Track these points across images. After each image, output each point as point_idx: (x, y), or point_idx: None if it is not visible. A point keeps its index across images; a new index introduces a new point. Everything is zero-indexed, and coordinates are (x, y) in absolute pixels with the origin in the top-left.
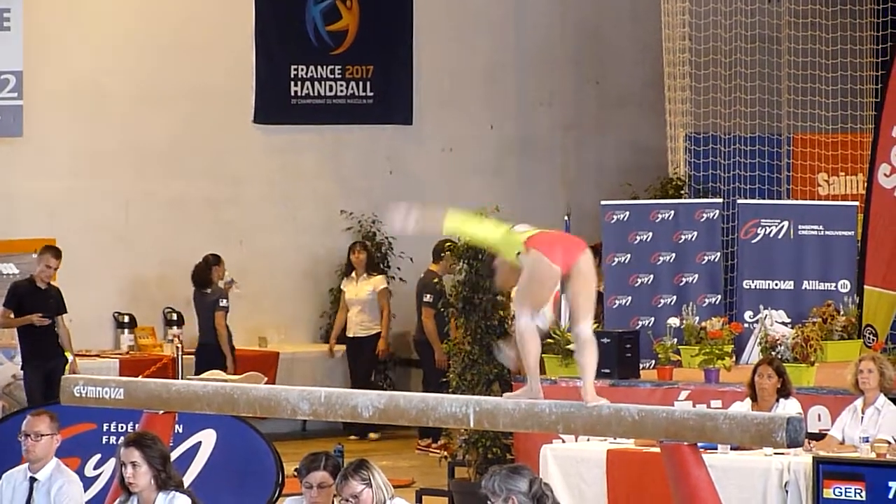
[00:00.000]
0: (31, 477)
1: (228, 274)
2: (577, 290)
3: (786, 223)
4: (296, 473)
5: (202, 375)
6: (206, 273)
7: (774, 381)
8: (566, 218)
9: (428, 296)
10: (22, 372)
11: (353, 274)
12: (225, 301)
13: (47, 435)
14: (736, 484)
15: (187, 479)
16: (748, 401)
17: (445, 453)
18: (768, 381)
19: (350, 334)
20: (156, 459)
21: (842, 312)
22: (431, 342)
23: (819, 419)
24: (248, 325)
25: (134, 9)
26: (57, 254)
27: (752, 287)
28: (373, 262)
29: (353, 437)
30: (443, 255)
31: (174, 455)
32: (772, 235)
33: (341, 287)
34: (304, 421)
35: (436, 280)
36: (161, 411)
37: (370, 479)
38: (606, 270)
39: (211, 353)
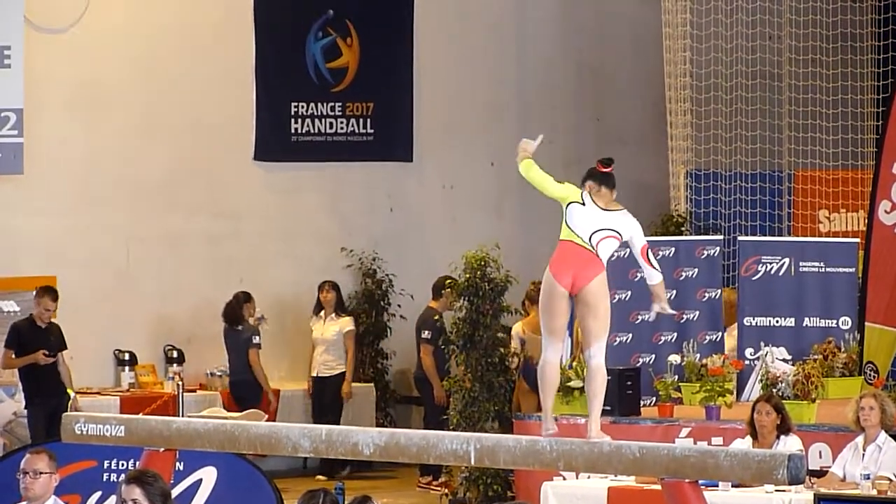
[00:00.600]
0: None
1: (259, 310)
2: (583, 313)
3: (787, 260)
4: None
5: (202, 413)
6: (237, 310)
7: (773, 418)
8: None
9: (426, 332)
10: (24, 410)
11: (322, 313)
12: (258, 338)
13: (46, 473)
14: None
15: None
16: (749, 438)
17: (446, 490)
18: (766, 417)
19: (314, 373)
20: (157, 497)
21: (843, 349)
22: (430, 379)
23: (820, 456)
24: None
25: (134, 46)
26: (54, 296)
27: (753, 324)
28: (341, 303)
29: (320, 476)
30: (443, 291)
31: (175, 492)
32: (772, 272)
33: (310, 325)
34: (305, 458)
35: (436, 317)
36: (162, 449)
37: None
38: None
39: (245, 389)
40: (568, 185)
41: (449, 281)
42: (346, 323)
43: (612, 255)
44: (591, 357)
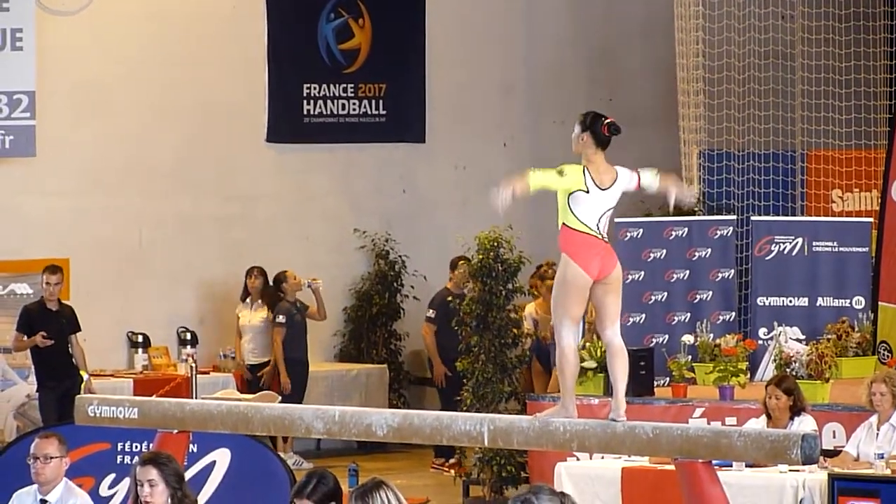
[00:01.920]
0: (41, 499)
1: (303, 279)
2: (607, 296)
3: (800, 240)
4: None
5: (215, 395)
6: (275, 294)
7: (784, 401)
8: None
9: (430, 311)
10: (36, 392)
11: (249, 300)
12: (282, 317)
13: (56, 457)
14: (751, 501)
15: (202, 499)
16: (763, 418)
17: (458, 472)
18: (777, 401)
19: (245, 362)
20: (172, 478)
21: (856, 329)
22: (431, 357)
23: (834, 436)
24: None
25: (145, 28)
26: (53, 270)
27: (767, 304)
28: (267, 291)
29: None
30: (458, 264)
31: (188, 474)
32: (786, 252)
33: (237, 312)
34: (318, 439)
35: (450, 298)
36: (175, 430)
37: None
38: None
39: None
40: (566, 169)
41: (462, 260)
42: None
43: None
44: (614, 336)
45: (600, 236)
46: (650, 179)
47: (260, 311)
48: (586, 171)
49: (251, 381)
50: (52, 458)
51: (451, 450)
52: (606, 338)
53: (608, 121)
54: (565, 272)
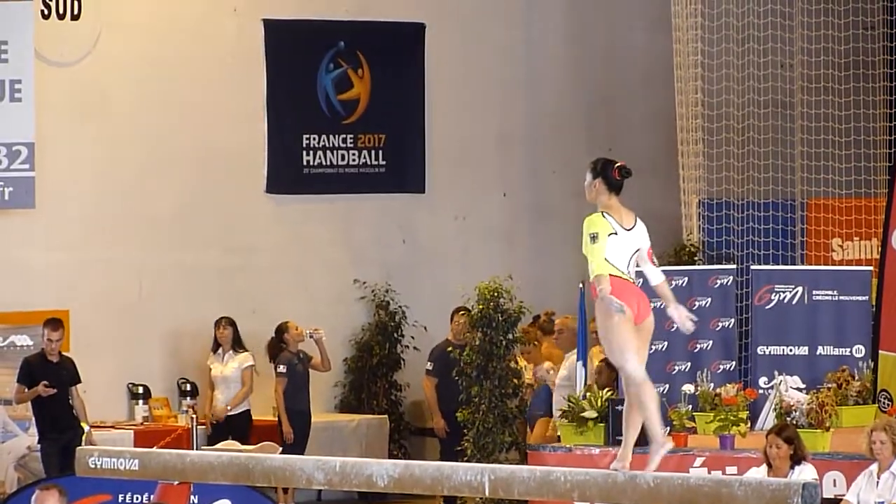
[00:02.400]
0: None
1: (305, 329)
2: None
3: (800, 288)
4: None
5: (216, 446)
6: (277, 346)
7: (785, 450)
8: (581, 286)
9: (429, 364)
10: (38, 444)
11: (220, 351)
12: (282, 367)
13: None
14: None
15: None
16: (764, 467)
17: None
18: (777, 450)
19: (212, 412)
20: None
21: (857, 377)
22: (431, 410)
23: (835, 484)
24: (262, 394)
25: (145, 79)
26: (55, 326)
27: (767, 353)
28: (238, 339)
29: None
30: (455, 316)
31: None
32: (786, 301)
33: (208, 363)
34: (319, 490)
35: (449, 349)
36: (176, 482)
37: None
38: None
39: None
40: (595, 228)
41: (460, 312)
42: (245, 358)
43: None
44: (644, 380)
45: (630, 279)
46: (655, 272)
47: (231, 362)
48: (607, 216)
49: (217, 432)
50: None
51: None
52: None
53: (619, 164)
54: (610, 308)
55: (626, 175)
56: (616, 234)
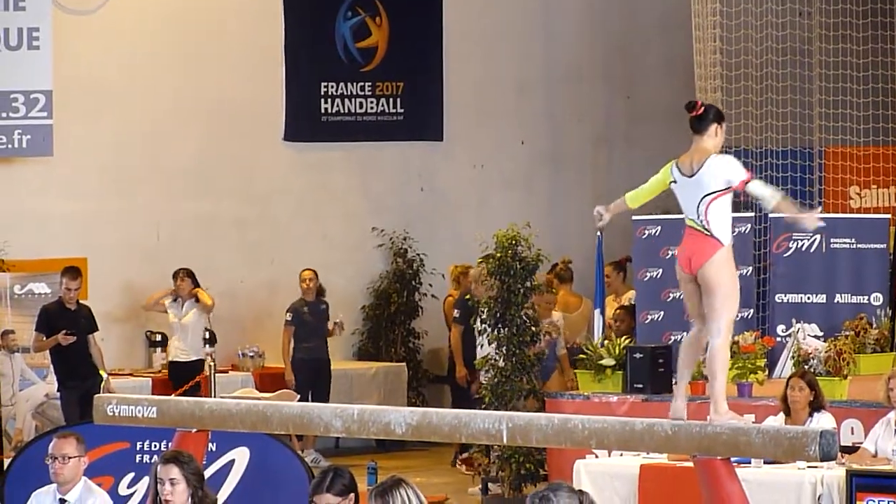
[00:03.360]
0: (60, 499)
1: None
2: (703, 293)
3: (818, 237)
4: None
5: (234, 394)
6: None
7: (806, 394)
8: (598, 234)
9: (457, 311)
10: (57, 392)
11: (178, 300)
12: (288, 315)
13: (74, 457)
14: (769, 498)
15: (221, 497)
16: (781, 415)
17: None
18: (800, 393)
19: (171, 358)
20: (193, 477)
21: (874, 325)
22: (455, 357)
23: (852, 432)
24: (280, 343)
25: (162, 27)
26: (73, 275)
27: (785, 301)
28: (197, 286)
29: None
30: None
31: (208, 473)
32: (804, 249)
33: (168, 310)
34: (337, 438)
35: (467, 297)
36: (194, 429)
37: None
38: (638, 286)
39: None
40: (663, 171)
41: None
42: (204, 303)
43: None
44: (711, 336)
45: (699, 227)
46: (764, 197)
47: (189, 313)
48: (674, 165)
49: (174, 377)
50: (70, 457)
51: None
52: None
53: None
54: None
55: (690, 107)
56: (675, 182)
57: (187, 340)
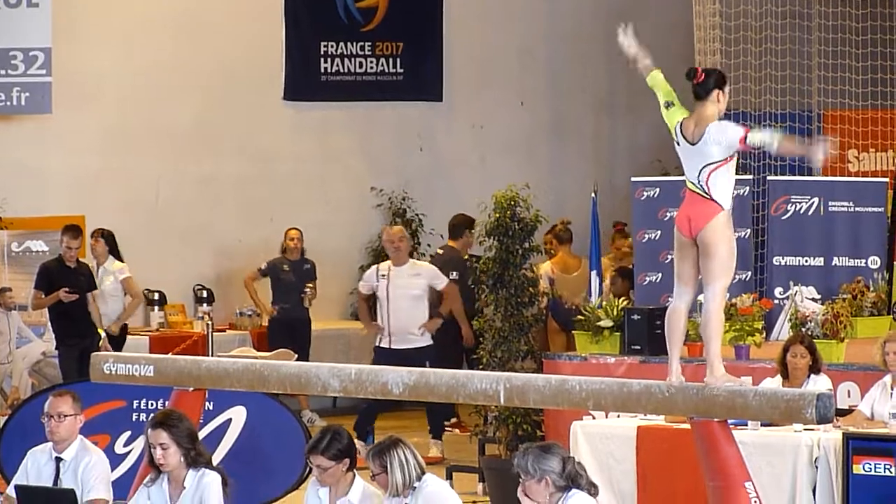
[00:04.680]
0: (56, 457)
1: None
2: (700, 256)
3: (816, 199)
4: None
5: (232, 353)
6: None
7: (807, 360)
8: (593, 195)
9: (454, 273)
10: (55, 350)
11: (95, 264)
12: (263, 265)
13: (70, 415)
14: (766, 460)
15: (217, 456)
16: (779, 377)
17: (458, 431)
18: (801, 360)
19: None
20: (184, 439)
21: (872, 288)
22: (458, 320)
23: (849, 395)
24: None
25: None
26: (75, 234)
27: (783, 263)
28: (115, 251)
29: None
30: (467, 231)
31: (204, 432)
32: (802, 212)
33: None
34: (334, 398)
35: (466, 257)
36: (191, 388)
37: (387, 466)
38: (637, 247)
39: None
40: (675, 104)
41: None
42: (119, 269)
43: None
44: (706, 299)
45: (699, 190)
46: (766, 144)
47: (106, 278)
48: (681, 123)
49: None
50: (66, 416)
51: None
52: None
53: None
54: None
55: (690, 75)
56: (678, 144)
57: (106, 308)
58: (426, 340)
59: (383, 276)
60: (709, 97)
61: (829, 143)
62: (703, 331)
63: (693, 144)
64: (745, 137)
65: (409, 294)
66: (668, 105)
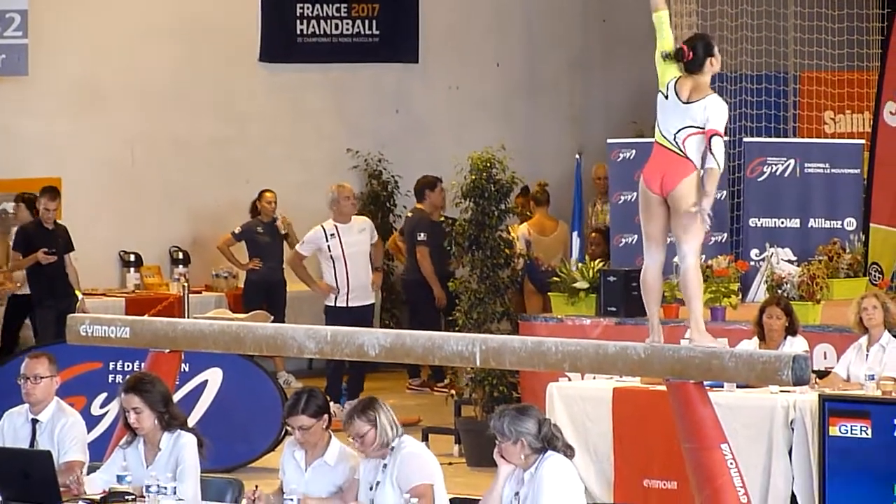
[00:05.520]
0: (32, 419)
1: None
2: (672, 215)
3: (792, 161)
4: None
5: (208, 314)
6: (254, 214)
7: (783, 322)
8: (577, 157)
9: (421, 234)
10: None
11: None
12: (237, 229)
13: (46, 377)
14: (742, 422)
15: (193, 418)
16: (755, 339)
17: (452, 391)
18: (777, 321)
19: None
20: (157, 402)
21: (848, 250)
22: (429, 282)
23: (825, 357)
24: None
25: None
26: (52, 196)
27: (759, 225)
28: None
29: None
30: (426, 191)
31: (180, 393)
32: (778, 173)
33: None
34: (310, 359)
35: (441, 219)
36: (167, 350)
37: (376, 420)
38: (613, 209)
39: None
40: (672, 68)
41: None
42: None
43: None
44: (681, 259)
45: (675, 148)
46: (713, 153)
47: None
48: (673, 82)
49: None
50: (41, 377)
51: (417, 368)
52: (678, 259)
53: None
54: (639, 188)
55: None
56: (666, 97)
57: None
58: (374, 297)
59: (332, 234)
60: (703, 69)
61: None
62: (683, 290)
63: (685, 104)
64: (715, 135)
65: (361, 251)
66: (666, 57)
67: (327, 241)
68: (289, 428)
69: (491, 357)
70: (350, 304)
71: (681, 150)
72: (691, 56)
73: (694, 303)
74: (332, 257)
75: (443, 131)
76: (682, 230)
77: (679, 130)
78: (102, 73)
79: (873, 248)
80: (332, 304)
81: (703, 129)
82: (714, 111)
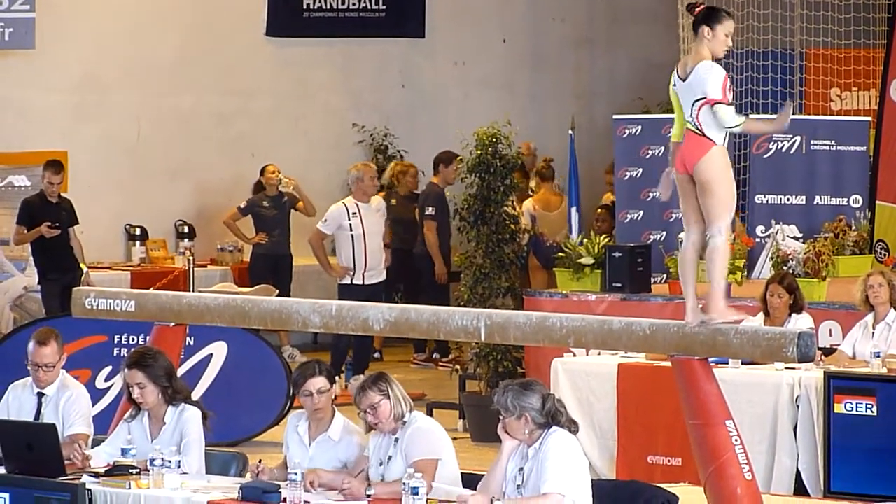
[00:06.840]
0: (38, 392)
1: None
2: (698, 193)
3: (798, 138)
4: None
5: (213, 288)
6: (258, 187)
7: (786, 300)
8: (570, 132)
9: (430, 209)
10: (37, 284)
11: None
12: (242, 204)
13: (56, 362)
14: (747, 399)
15: (198, 391)
16: (761, 315)
17: (457, 366)
18: (779, 300)
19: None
20: (160, 377)
21: (853, 227)
22: (432, 255)
23: (830, 334)
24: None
25: None
26: (56, 169)
27: (764, 202)
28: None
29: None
30: (440, 165)
31: (185, 367)
32: (784, 150)
33: None
34: (315, 333)
35: (448, 194)
36: (172, 324)
37: (388, 391)
38: (618, 185)
39: None
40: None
41: (458, 158)
42: None
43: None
44: (709, 237)
45: (693, 128)
46: (728, 119)
47: None
48: (677, 68)
49: None
50: (52, 365)
51: (423, 343)
52: (708, 237)
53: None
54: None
55: (690, 8)
56: (675, 85)
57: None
58: (384, 275)
59: (354, 213)
60: (696, 33)
61: (791, 106)
62: (708, 266)
63: (684, 80)
64: (717, 103)
65: (378, 230)
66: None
67: (349, 219)
68: (301, 398)
69: (496, 332)
70: (366, 282)
71: (698, 128)
72: (696, 13)
73: (717, 279)
74: (352, 236)
75: (449, 106)
76: (709, 207)
77: (692, 107)
78: (109, 47)
79: (879, 226)
80: (349, 282)
81: (705, 97)
82: (706, 76)
